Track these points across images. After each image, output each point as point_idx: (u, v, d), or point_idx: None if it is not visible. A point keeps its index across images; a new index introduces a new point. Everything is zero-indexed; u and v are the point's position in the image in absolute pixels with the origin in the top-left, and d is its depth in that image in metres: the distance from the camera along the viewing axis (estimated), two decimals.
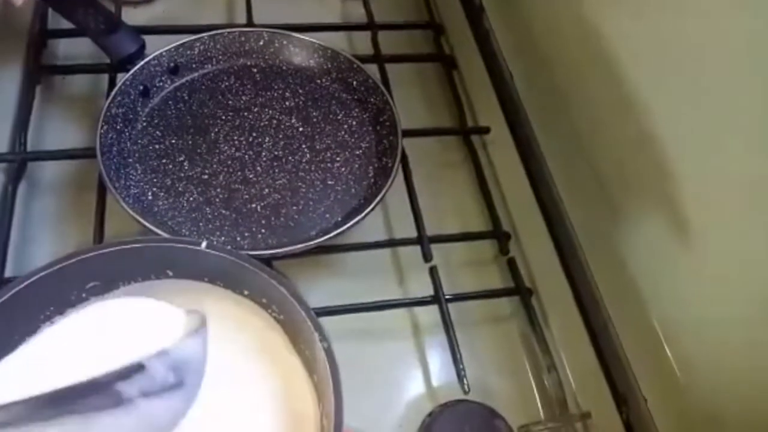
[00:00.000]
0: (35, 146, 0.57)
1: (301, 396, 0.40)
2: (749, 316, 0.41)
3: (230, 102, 0.58)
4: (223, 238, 0.50)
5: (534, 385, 0.51)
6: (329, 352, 0.37)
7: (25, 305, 0.40)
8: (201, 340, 0.36)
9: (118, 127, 0.53)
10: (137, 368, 0.32)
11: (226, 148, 0.55)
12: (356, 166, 0.55)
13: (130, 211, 0.47)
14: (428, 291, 0.52)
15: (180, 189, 0.52)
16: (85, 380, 0.31)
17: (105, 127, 0.52)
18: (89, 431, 0.32)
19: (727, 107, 0.40)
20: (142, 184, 0.52)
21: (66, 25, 0.58)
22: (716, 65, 0.41)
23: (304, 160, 0.55)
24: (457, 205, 0.60)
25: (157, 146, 0.54)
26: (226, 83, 0.59)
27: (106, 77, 0.59)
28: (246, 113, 0.57)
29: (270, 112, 0.58)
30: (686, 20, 0.43)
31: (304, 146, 0.56)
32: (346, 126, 0.58)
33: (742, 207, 0.41)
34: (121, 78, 0.55)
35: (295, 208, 0.52)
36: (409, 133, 0.57)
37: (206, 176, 0.53)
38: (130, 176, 0.52)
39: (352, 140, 0.57)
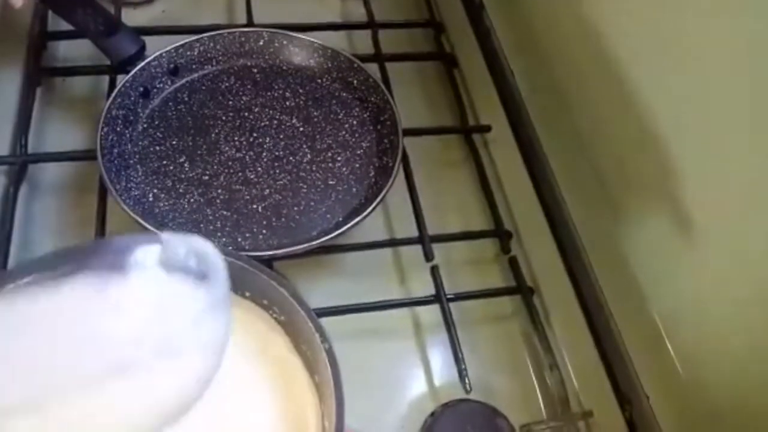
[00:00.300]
0: (36, 148, 0.57)
1: (303, 397, 0.40)
2: (751, 314, 0.41)
3: (230, 102, 0.58)
4: (224, 239, 0.50)
5: (536, 384, 0.51)
6: (330, 353, 0.37)
7: None
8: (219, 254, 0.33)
9: (119, 129, 0.53)
10: (154, 238, 0.30)
11: (226, 148, 0.55)
12: (357, 165, 0.55)
13: (131, 213, 0.47)
14: (430, 290, 0.52)
15: (181, 190, 0.52)
16: (100, 240, 0.30)
17: (105, 129, 0.52)
18: (105, 290, 0.30)
19: (729, 105, 0.40)
20: (143, 185, 0.52)
21: (66, 26, 0.58)
22: (717, 63, 0.41)
23: (304, 161, 0.55)
24: (459, 204, 0.60)
25: (157, 147, 0.54)
26: (227, 84, 0.59)
27: (106, 79, 0.59)
28: (246, 114, 0.57)
29: (270, 112, 0.58)
30: (687, 18, 0.43)
31: (304, 146, 0.56)
32: (346, 125, 0.58)
33: (743, 204, 0.40)
34: (121, 79, 0.55)
35: (296, 208, 0.52)
36: (409, 132, 0.57)
37: (207, 177, 0.53)
38: (131, 178, 0.52)
39: (353, 140, 0.57)
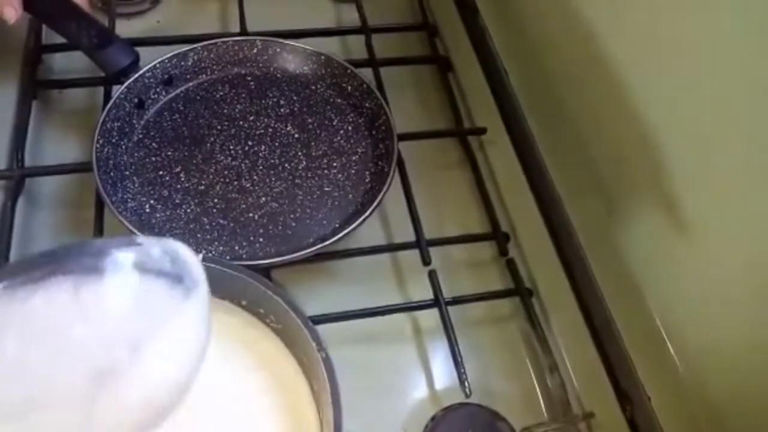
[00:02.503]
0: (33, 162, 0.57)
1: (301, 405, 0.40)
2: (751, 312, 0.41)
3: (225, 111, 0.58)
4: (221, 248, 0.50)
5: (536, 386, 0.51)
6: (327, 361, 0.37)
7: None
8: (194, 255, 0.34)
9: (114, 141, 0.54)
10: (130, 240, 0.31)
11: (222, 157, 0.55)
12: (353, 171, 0.55)
13: (128, 225, 0.47)
14: (428, 295, 0.52)
15: (177, 200, 0.52)
16: (76, 242, 0.31)
17: (101, 141, 0.52)
18: (78, 294, 0.30)
19: (724, 103, 0.40)
20: (139, 196, 0.52)
21: (61, 39, 0.58)
22: (712, 61, 0.41)
23: (300, 167, 0.55)
24: (456, 207, 0.60)
25: (153, 158, 0.54)
26: (221, 93, 0.59)
27: (101, 90, 0.59)
28: (241, 122, 0.57)
29: (265, 120, 0.58)
30: (683, 16, 0.43)
31: (300, 153, 0.56)
32: (341, 131, 0.58)
33: (740, 203, 0.40)
34: (116, 91, 0.55)
35: (292, 216, 0.52)
36: (405, 137, 0.57)
37: (203, 187, 0.53)
38: (128, 189, 0.52)
39: (348, 146, 0.57)
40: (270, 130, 0.57)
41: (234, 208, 0.52)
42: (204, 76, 0.60)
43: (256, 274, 0.41)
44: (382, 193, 0.51)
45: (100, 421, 0.29)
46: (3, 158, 0.55)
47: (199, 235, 0.50)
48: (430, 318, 0.52)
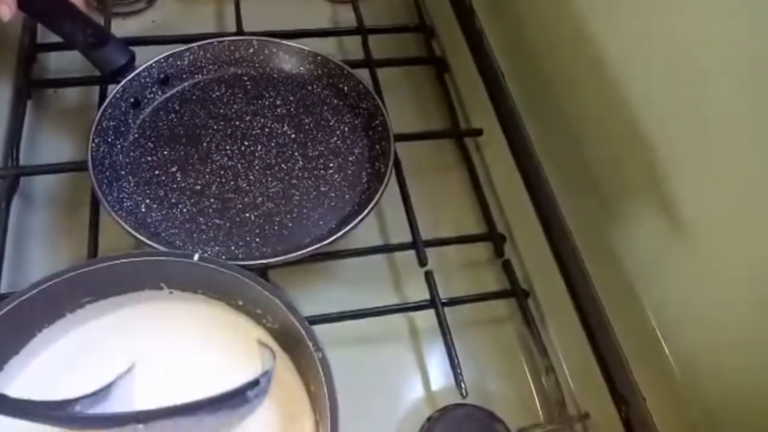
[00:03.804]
0: (28, 161, 0.56)
1: (298, 405, 0.40)
2: (746, 313, 0.41)
3: (221, 111, 0.58)
4: (217, 248, 0.50)
5: (533, 387, 0.51)
6: (323, 361, 0.37)
7: (20, 321, 0.40)
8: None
9: (110, 140, 0.53)
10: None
11: (218, 157, 0.55)
12: (349, 172, 0.55)
13: (123, 224, 0.47)
14: (424, 295, 0.52)
15: (173, 200, 0.52)
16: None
17: (96, 141, 0.52)
18: None
19: (721, 105, 0.40)
20: (135, 196, 0.52)
21: (56, 38, 0.58)
22: (709, 62, 0.41)
23: (296, 168, 0.55)
24: (452, 208, 0.60)
25: (149, 158, 0.54)
26: (217, 92, 0.59)
27: (97, 90, 0.59)
28: (237, 122, 0.57)
29: (262, 120, 0.58)
30: (680, 17, 0.43)
31: (296, 153, 0.56)
32: (338, 132, 0.58)
33: (737, 206, 0.40)
34: (112, 90, 0.55)
35: (288, 216, 0.52)
36: (401, 138, 0.57)
37: (199, 186, 0.53)
38: (123, 189, 0.52)
39: (345, 146, 0.57)
40: (266, 130, 0.57)
41: (230, 208, 0.52)
42: (200, 75, 0.60)
43: (252, 274, 0.41)
44: (378, 194, 0.51)
45: None
46: None
47: (195, 235, 0.50)
48: (426, 319, 0.52)
